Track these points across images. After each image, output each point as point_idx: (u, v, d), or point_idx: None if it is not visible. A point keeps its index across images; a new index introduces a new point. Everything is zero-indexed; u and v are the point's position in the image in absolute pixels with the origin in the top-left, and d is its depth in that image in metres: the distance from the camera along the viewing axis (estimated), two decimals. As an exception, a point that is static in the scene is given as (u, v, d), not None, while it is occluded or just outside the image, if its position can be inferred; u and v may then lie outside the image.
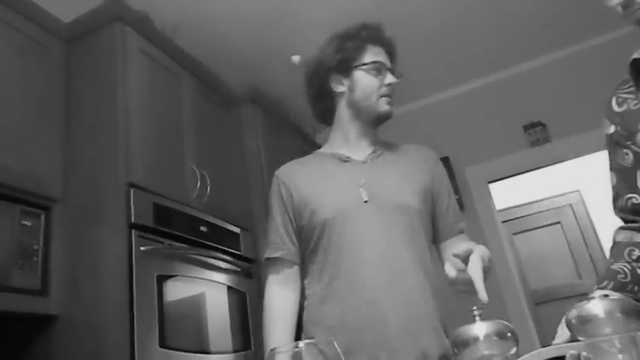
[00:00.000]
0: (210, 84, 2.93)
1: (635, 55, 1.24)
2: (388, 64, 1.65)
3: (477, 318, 0.82)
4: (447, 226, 1.62)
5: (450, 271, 1.21)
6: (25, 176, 1.98)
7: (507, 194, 4.79)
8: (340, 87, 1.64)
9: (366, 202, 1.49)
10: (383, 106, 1.61)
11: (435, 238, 1.61)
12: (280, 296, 1.54)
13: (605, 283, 1.23)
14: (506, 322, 0.82)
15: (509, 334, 0.80)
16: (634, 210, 1.27)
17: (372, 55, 1.62)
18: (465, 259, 1.20)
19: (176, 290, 2.15)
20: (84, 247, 2.04)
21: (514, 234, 5.04)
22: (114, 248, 1.99)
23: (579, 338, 0.75)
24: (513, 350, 0.80)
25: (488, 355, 0.79)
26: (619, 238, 1.31)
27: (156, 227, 2.12)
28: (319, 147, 1.82)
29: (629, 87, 1.28)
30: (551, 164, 3.84)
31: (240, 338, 2.44)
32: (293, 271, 1.57)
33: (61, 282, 2.00)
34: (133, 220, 2.02)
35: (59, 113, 2.24)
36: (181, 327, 2.12)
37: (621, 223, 1.33)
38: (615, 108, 1.30)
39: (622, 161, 1.29)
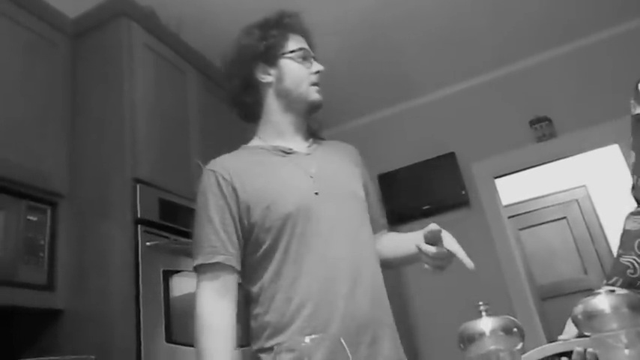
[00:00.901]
0: (216, 79, 2.93)
1: None
2: (311, 52, 1.59)
3: (483, 313, 0.82)
4: (376, 219, 1.59)
5: (428, 248, 1.23)
6: (31, 172, 1.99)
7: (513, 190, 4.77)
8: (267, 77, 1.55)
9: (316, 194, 1.41)
10: (313, 94, 1.53)
11: None
12: (221, 309, 1.35)
13: (614, 279, 1.21)
14: (512, 318, 0.82)
15: (515, 330, 0.80)
16: None
17: (295, 43, 1.56)
18: (432, 239, 1.22)
19: (182, 285, 2.15)
20: (90, 242, 2.05)
21: (520, 229, 5.03)
22: (120, 243, 1.99)
23: (585, 334, 0.75)
24: (519, 345, 0.79)
25: (494, 351, 0.79)
26: (629, 226, 1.26)
27: (162, 222, 2.13)
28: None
29: None
30: (558, 159, 3.82)
31: (246, 333, 2.44)
32: (232, 280, 1.38)
33: (67, 277, 2.01)
34: (138, 216, 2.03)
35: (65, 109, 2.25)
36: (187, 322, 2.12)
37: (630, 210, 1.31)
38: None
39: None
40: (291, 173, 1.45)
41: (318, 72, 1.54)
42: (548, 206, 5.09)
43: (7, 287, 1.79)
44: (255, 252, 1.39)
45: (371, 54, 3.50)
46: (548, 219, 5.07)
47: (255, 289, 1.40)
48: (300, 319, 1.31)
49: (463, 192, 3.82)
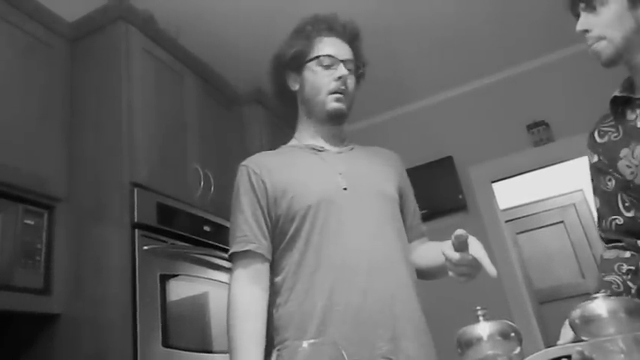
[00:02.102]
0: (214, 83, 2.93)
1: (615, 93, 1.40)
2: (343, 54, 1.58)
3: (481, 318, 0.82)
4: (414, 227, 1.61)
5: (453, 254, 1.19)
6: (28, 175, 1.99)
7: (511, 194, 4.77)
8: (295, 85, 1.60)
9: (345, 189, 1.44)
10: (330, 103, 1.53)
11: None
12: (250, 295, 1.38)
13: (603, 291, 1.32)
14: (509, 322, 0.82)
15: (512, 334, 0.80)
16: (618, 230, 1.40)
17: (321, 47, 1.56)
18: (459, 246, 1.19)
19: (179, 290, 2.15)
20: (87, 246, 2.05)
21: (517, 233, 5.03)
22: (117, 247, 1.99)
23: (583, 338, 0.75)
24: (517, 350, 0.79)
25: (492, 355, 0.79)
26: (606, 256, 1.43)
27: (159, 227, 2.12)
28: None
29: (610, 121, 1.45)
30: (555, 164, 3.82)
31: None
32: (264, 268, 1.42)
33: (63, 281, 2.00)
34: (136, 220, 2.03)
35: (63, 113, 2.25)
36: (184, 326, 2.12)
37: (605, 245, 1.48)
38: (598, 139, 1.48)
39: (605, 187, 1.44)
40: (317, 168, 1.49)
41: (340, 78, 1.54)
42: (546, 210, 5.10)
43: (3, 291, 1.78)
44: (281, 243, 1.43)
45: (368, 58, 3.51)
46: (546, 223, 5.07)
47: (278, 279, 1.42)
48: (316, 310, 1.32)
49: (460, 196, 3.82)
